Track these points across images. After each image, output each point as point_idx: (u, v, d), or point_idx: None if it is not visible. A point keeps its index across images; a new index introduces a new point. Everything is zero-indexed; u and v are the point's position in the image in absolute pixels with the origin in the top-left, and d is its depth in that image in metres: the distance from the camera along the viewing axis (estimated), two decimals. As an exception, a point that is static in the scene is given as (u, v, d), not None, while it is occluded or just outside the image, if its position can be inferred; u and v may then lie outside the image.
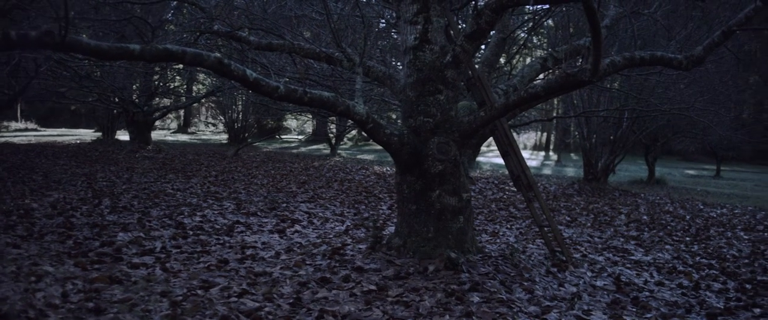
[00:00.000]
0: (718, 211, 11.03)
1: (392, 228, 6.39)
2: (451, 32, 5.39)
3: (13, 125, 26.35)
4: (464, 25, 7.86)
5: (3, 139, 19.09)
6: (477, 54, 8.07)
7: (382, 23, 10.51)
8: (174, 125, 35.53)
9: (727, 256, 6.71)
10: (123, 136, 19.50)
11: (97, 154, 14.42)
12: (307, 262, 4.99)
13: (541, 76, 6.60)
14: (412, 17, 5.10)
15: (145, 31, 13.09)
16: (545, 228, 5.72)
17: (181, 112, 33.21)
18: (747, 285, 5.32)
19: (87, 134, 23.09)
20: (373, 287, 4.29)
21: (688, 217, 9.84)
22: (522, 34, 11.04)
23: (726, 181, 19.69)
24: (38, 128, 27.08)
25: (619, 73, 6.47)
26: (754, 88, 22.94)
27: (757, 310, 4.52)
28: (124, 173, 10.87)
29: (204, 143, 23.76)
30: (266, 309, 3.74)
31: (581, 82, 4.24)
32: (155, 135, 22.03)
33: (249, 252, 5.31)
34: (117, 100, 16.65)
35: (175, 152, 16.65)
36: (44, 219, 6.21)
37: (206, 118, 36.42)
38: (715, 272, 5.82)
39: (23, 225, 5.81)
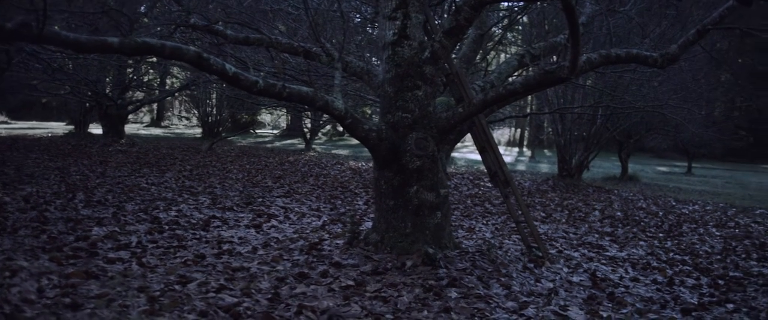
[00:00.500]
0: (690, 208, 11.18)
1: (369, 224, 6.39)
2: (430, 28, 5.40)
3: (-17, 118, 25.97)
4: (440, 21, 7.88)
5: (-28, 132, 18.78)
6: (454, 50, 8.09)
7: (358, 18, 10.49)
8: (147, 119, 35.18)
9: (700, 252, 6.81)
10: (96, 129, 19.26)
11: (69, 147, 14.23)
12: (285, 257, 4.98)
13: (517, 72, 6.64)
14: (391, 13, 5.10)
15: (123, 24, 12.92)
16: (522, 224, 5.76)
17: (155, 106, 32.90)
18: (720, 281, 5.40)
19: (59, 127, 22.74)
20: (351, 282, 4.29)
21: (661, 214, 9.96)
22: (498, 31, 11.08)
23: (697, 178, 19.96)
24: (8, 121, 26.63)
25: (594, 71, 6.52)
26: (725, 86, 23.26)
27: (730, 305, 4.59)
28: (98, 167, 10.74)
29: (178, 137, 23.56)
30: (245, 304, 3.72)
31: (559, 78, 4.27)
32: (128, 128, 21.77)
33: (226, 247, 5.28)
34: (90, 93, 16.43)
35: (149, 146, 16.49)
36: (17, 213, 6.12)
37: (180, 111, 36.12)
38: (688, 268, 5.90)
39: (-5, 219, 5.72)
